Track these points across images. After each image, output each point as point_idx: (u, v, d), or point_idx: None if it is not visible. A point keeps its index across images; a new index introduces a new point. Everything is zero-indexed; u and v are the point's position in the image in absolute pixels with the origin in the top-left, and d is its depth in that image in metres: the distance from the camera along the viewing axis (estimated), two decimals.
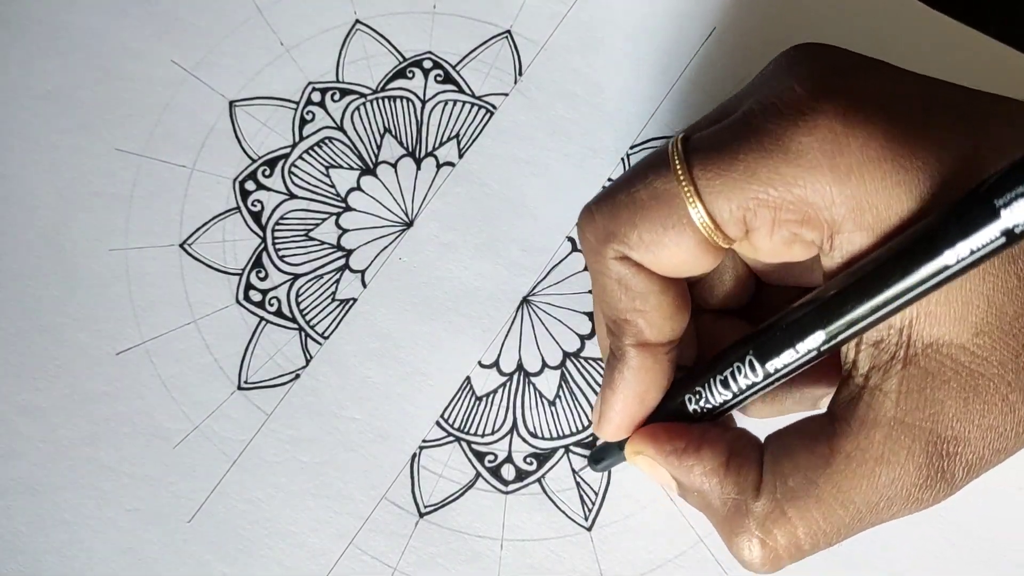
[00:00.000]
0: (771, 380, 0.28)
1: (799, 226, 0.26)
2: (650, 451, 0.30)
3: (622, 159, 0.39)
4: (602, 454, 0.35)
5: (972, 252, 0.23)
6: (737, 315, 0.33)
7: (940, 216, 0.24)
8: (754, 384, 0.28)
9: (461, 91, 0.40)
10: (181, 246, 0.38)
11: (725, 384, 0.29)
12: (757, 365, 0.28)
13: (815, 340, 0.27)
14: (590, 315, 0.37)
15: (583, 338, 0.37)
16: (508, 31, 0.40)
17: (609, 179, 0.39)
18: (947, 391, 0.25)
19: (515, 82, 0.40)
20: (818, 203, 0.25)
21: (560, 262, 0.38)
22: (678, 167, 0.27)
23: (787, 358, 0.27)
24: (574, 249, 0.38)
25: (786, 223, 0.26)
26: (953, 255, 0.24)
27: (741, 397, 0.29)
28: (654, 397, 0.31)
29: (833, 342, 0.26)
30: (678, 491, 0.30)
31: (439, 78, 0.40)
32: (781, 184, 0.26)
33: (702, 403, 0.30)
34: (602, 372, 0.37)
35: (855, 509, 0.27)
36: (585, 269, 0.38)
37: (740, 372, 0.28)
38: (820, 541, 0.28)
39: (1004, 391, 0.26)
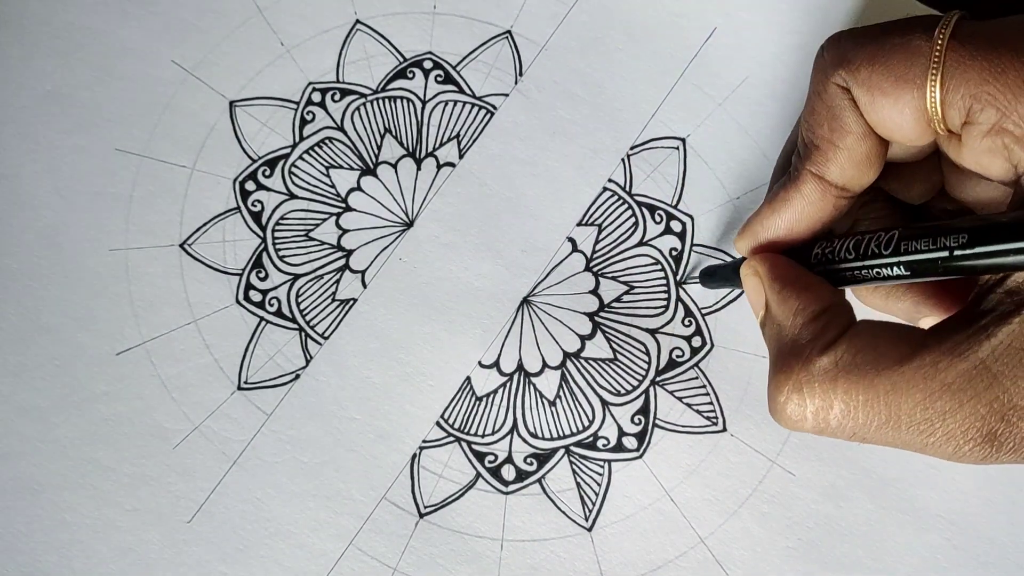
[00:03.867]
0: (895, 263, 0.28)
1: (1016, 141, 0.26)
2: (764, 271, 0.31)
3: (622, 159, 0.39)
4: (716, 272, 0.35)
5: None
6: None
7: None
8: (879, 255, 0.29)
9: (461, 91, 0.40)
10: (181, 246, 0.38)
11: (856, 246, 0.30)
12: (894, 242, 0.28)
13: (956, 240, 0.27)
14: (590, 315, 0.37)
15: (583, 338, 0.37)
16: (508, 31, 0.40)
17: (610, 179, 0.39)
18: None
19: (515, 82, 0.40)
20: None
21: (560, 262, 0.38)
22: (940, 34, 0.27)
23: (924, 246, 0.27)
24: (574, 249, 0.38)
25: (1005, 132, 0.26)
26: None
27: (861, 264, 0.29)
28: (802, 231, 0.31)
29: (972, 251, 0.26)
30: (762, 319, 0.31)
31: (439, 78, 0.40)
32: (1022, 94, 0.26)
33: (828, 252, 0.30)
34: (601, 372, 0.37)
35: (896, 415, 0.27)
36: (587, 269, 0.38)
37: (874, 241, 0.29)
38: (847, 425, 0.28)
39: None
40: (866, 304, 0.33)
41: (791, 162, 0.32)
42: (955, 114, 0.27)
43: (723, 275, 0.35)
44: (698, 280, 0.37)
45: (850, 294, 0.33)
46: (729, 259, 0.38)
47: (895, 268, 0.28)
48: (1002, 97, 0.26)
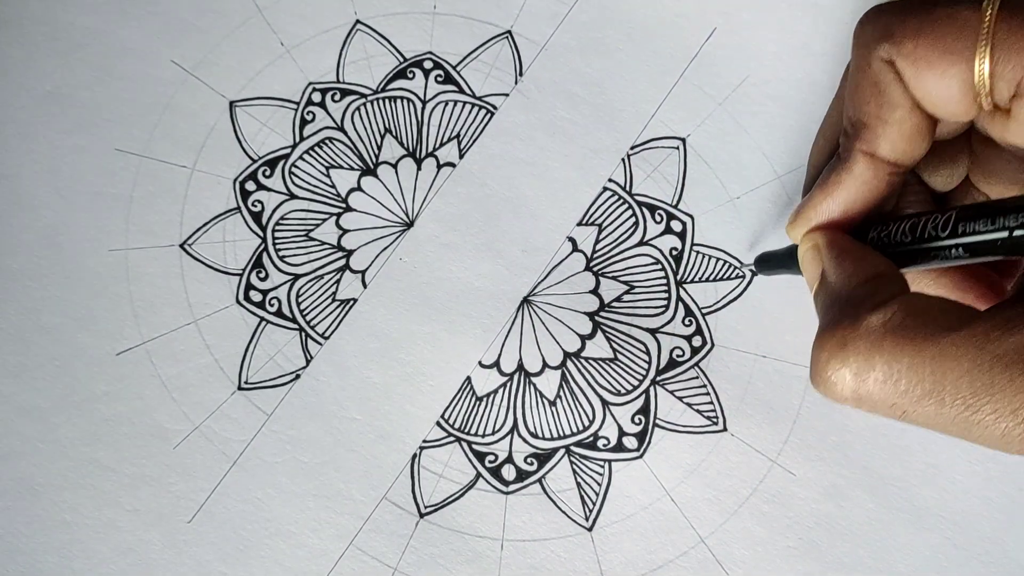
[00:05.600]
0: (953, 244, 0.28)
1: None
2: (823, 242, 0.31)
3: (622, 159, 0.39)
4: (772, 258, 0.35)
5: None
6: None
7: None
8: (936, 238, 0.28)
9: (462, 91, 0.40)
10: (181, 246, 0.38)
11: (913, 228, 0.29)
12: (951, 224, 0.28)
13: (1015, 220, 0.26)
14: (590, 315, 0.37)
15: (584, 338, 0.37)
16: (508, 31, 0.40)
17: (610, 179, 0.39)
18: None
19: (515, 82, 0.40)
20: None
21: (560, 262, 0.38)
22: (989, 4, 0.27)
23: (982, 227, 0.27)
24: (574, 249, 0.38)
25: None
26: None
27: (918, 247, 0.29)
28: (857, 212, 0.31)
29: None
30: (817, 287, 0.30)
31: (439, 78, 0.40)
32: None
33: (883, 236, 0.30)
34: (601, 372, 0.37)
35: (941, 385, 0.25)
36: (587, 268, 0.38)
37: (931, 223, 0.29)
38: (888, 391, 0.26)
39: None
40: None
41: (837, 143, 0.31)
42: (1004, 87, 0.27)
43: (778, 260, 0.35)
44: (752, 267, 0.37)
45: None
46: (731, 258, 0.38)
47: (954, 250, 0.28)
48: None
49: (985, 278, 0.32)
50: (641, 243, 0.38)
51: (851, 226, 0.31)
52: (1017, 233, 0.26)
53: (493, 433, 0.36)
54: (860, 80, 0.29)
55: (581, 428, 0.36)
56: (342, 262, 0.38)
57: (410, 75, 0.40)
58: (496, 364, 0.37)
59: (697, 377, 0.37)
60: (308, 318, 0.37)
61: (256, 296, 0.38)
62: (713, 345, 0.37)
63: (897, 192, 0.31)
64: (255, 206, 0.38)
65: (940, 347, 0.25)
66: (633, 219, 0.38)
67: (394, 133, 0.39)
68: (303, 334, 0.37)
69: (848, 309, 0.27)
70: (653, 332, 0.37)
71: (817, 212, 0.31)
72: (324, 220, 0.38)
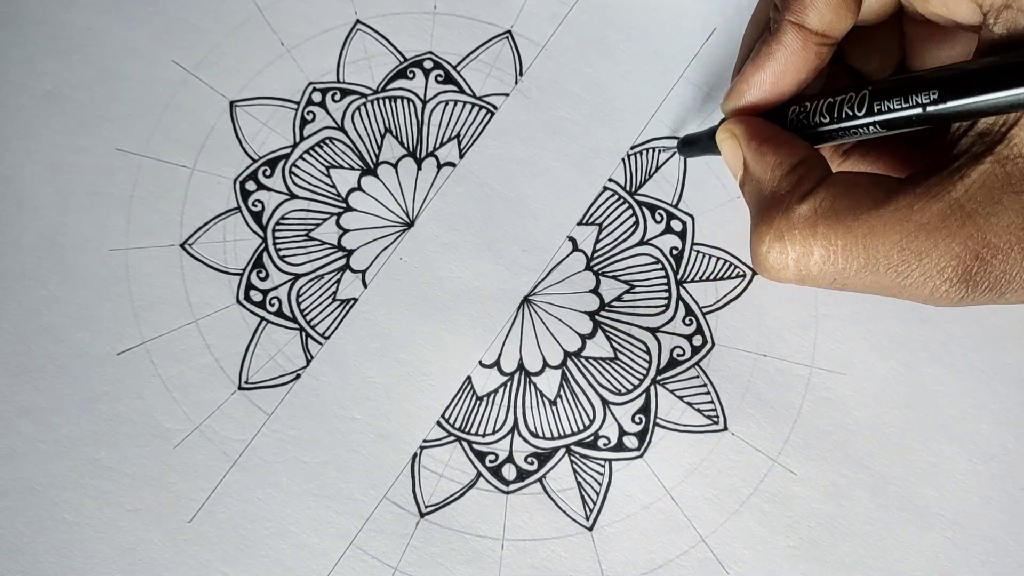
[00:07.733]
0: (869, 123, 0.29)
1: None
2: (741, 132, 0.32)
3: (622, 159, 0.39)
4: (693, 140, 0.36)
5: None
6: None
7: None
8: (853, 117, 0.29)
9: (462, 91, 0.40)
10: (181, 246, 0.38)
11: (830, 108, 0.30)
12: (867, 103, 0.29)
13: (927, 97, 0.27)
14: (591, 314, 0.37)
15: (584, 337, 0.37)
16: (509, 31, 0.40)
17: (610, 179, 0.39)
18: (1014, 201, 0.26)
19: (516, 82, 0.40)
20: None
21: (561, 262, 0.38)
22: None
23: (897, 104, 0.28)
24: (575, 248, 0.38)
25: None
26: None
27: (836, 127, 0.30)
28: (787, 84, 0.32)
29: (944, 107, 0.27)
30: (741, 178, 0.32)
31: (440, 78, 0.40)
32: None
33: (802, 117, 0.31)
34: (602, 371, 0.37)
35: (874, 258, 0.27)
36: (587, 268, 0.38)
37: (847, 103, 0.30)
38: (827, 270, 0.28)
39: None
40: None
41: (761, 31, 0.32)
42: None
43: (701, 143, 0.36)
44: (675, 150, 0.38)
45: None
46: (731, 257, 0.38)
47: (872, 127, 0.29)
48: None
49: (903, 145, 0.33)
50: (641, 242, 0.38)
51: (780, 102, 0.32)
52: (930, 109, 0.27)
53: (493, 433, 0.36)
54: None
55: (581, 427, 0.36)
56: (342, 262, 0.38)
57: (410, 75, 0.40)
58: (496, 363, 0.37)
59: (697, 376, 0.37)
60: (308, 318, 0.37)
61: (256, 296, 0.38)
62: (714, 344, 0.37)
63: (825, 66, 0.32)
64: (255, 206, 0.38)
65: (869, 224, 0.27)
66: (633, 218, 0.38)
67: (394, 133, 0.39)
68: (303, 334, 0.37)
69: (778, 201, 0.29)
70: (653, 331, 0.37)
71: (749, 84, 0.32)
72: (324, 220, 0.38)
